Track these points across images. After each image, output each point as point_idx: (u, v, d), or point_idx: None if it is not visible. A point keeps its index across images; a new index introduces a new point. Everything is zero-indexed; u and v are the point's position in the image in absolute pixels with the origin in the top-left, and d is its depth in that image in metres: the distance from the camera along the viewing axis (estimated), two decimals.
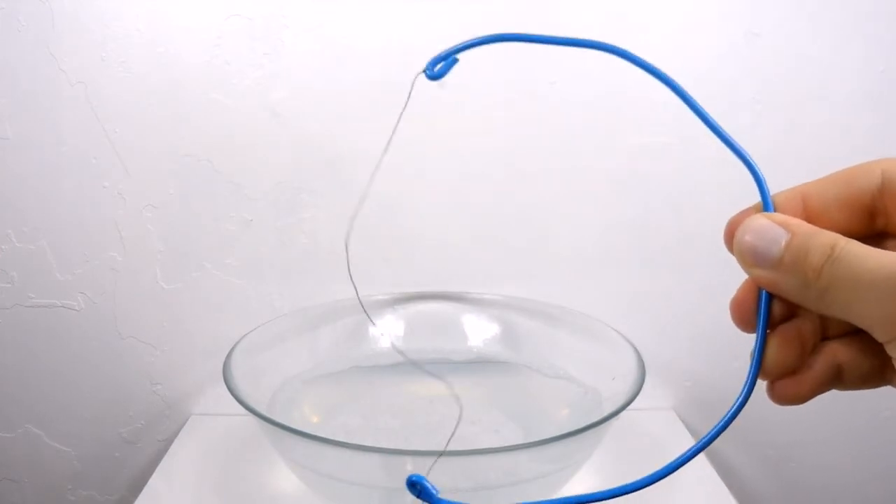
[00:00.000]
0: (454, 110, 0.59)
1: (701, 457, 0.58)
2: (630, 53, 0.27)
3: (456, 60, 0.32)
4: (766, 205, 0.22)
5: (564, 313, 0.56)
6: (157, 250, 0.60)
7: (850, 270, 0.19)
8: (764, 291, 0.23)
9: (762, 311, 0.23)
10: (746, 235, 0.22)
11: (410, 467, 0.38)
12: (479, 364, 0.57)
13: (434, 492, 0.25)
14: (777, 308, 0.22)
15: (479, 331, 0.58)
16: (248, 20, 0.56)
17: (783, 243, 0.21)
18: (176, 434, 0.62)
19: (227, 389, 0.42)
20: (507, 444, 0.37)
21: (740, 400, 0.23)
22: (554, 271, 0.62)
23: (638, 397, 0.42)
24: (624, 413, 0.41)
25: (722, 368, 0.65)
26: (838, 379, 0.23)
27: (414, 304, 0.59)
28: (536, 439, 0.37)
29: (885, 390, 0.70)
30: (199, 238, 0.60)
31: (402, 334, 0.59)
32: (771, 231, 0.21)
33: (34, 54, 0.55)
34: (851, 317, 0.19)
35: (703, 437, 0.24)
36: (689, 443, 0.60)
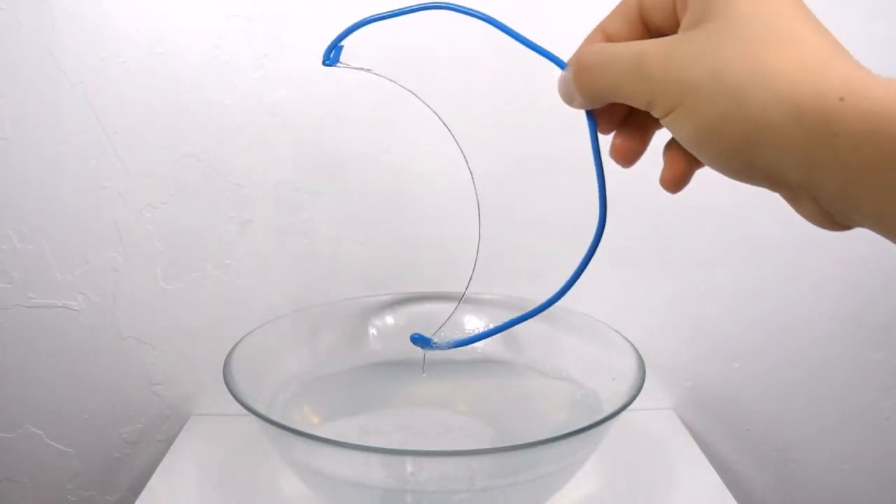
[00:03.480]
0: (454, 110, 0.59)
1: (701, 457, 0.58)
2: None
3: (342, 47, 0.42)
4: (559, 67, 0.31)
5: (564, 313, 0.56)
6: (157, 250, 0.60)
7: (591, 60, 0.26)
8: (586, 113, 0.30)
9: (589, 125, 0.31)
10: (557, 86, 0.30)
11: (410, 467, 0.38)
12: (479, 364, 0.57)
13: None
14: (601, 121, 0.31)
15: (479, 331, 0.58)
16: (248, 20, 0.56)
17: (569, 74, 0.28)
18: (176, 434, 0.62)
19: (227, 389, 0.42)
20: (506, 445, 0.37)
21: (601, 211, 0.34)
22: (554, 271, 0.62)
23: (638, 397, 0.42)
24: (624, 413, 0.41)
25: (722, 368, 0.65)
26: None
27: (414, 305, 0.59)
28: (536, 439, 0.37)
29: (886, 391, 0.69)
30: (199, 238, 0.60)
31: (402, 334, 0.59)
32: (563, 74, 0.29)
33: (34, 54, 0.55)
34: (623, 98, 0.25)
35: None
36: (689, 443, 0.60)
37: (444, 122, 0.44)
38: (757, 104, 0.21)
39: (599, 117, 0.30)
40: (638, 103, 0.25)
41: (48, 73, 0.56)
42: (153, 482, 0.54)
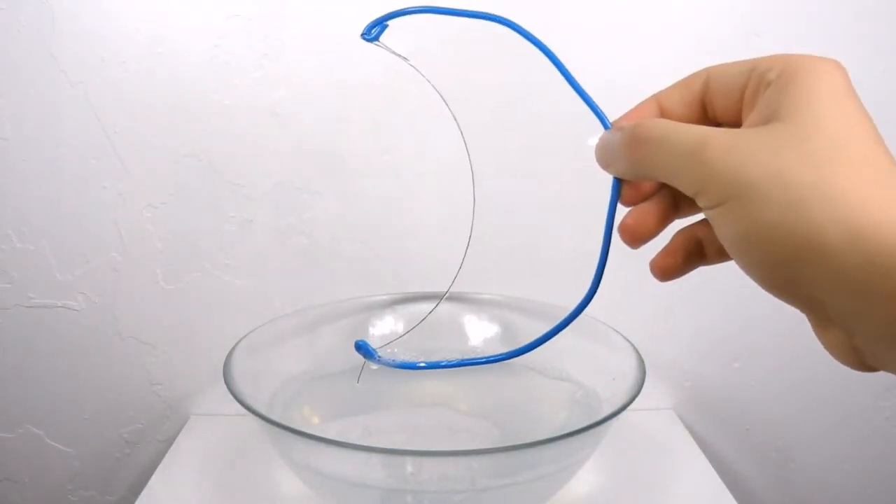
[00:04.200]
0: (455, 111, 0.59)
1: (701, 457, 0.58)
2: (508, 20, 0.35)
3: (386, 26, 0.40)
4: (604, 125, 0.30)
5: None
6: (157, 250, 0.60)
7: (650, 133, 0.25)
8: (614, 179, 0.29)
9: (613, 192, 0.29)
10: (596, 145, 0.29)
11: (410, 467, 0.38)
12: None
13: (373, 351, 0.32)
14: (627, 191, 0.29)
15: (479, 331, 0.58)
16: (248, 20, 0.56)
17: (616, 139, 0.27)
18: (176, 434, 0.62)
19: (227, 389, 0.42)
20: (506, 445, 0.37)
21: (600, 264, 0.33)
22: (554, 271, 0.62)
23: (638, 397, 0.42)
24: (624, 413, 0.41)
25: (722, 368, 0.65)
26: (701, 254, 0.29)
27: (414, 304, 0.59)
28: (536, 440, 0.37)
29: (886, 391, 0.70)
30: (199, 238, 0.60)
31: (402, 334, 0.59)
32: (608, 136, 0.28)
33: (34, 54, 0.55)
34: (673, 180, 0.24)
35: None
36: (689, 443, 0.60)
37: (458, 126, 0.44)
38: (815, 219, 0.20)
39: (626, 187, 0.29)
40: (686, 189, 0.23)
41: (48, 73, 0.56)
42: (153, 482, 0.54)
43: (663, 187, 0.28)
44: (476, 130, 0.59)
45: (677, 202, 0.28)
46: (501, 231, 0.61)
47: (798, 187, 0.20)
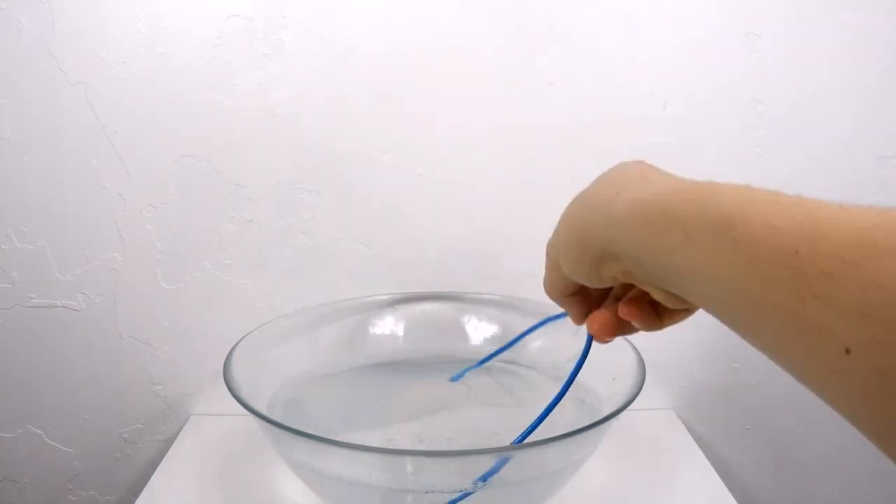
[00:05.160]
0: (455, 111, 0.59)
1: (701, 457, 0.58)
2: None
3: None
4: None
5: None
6: (157, 250, 0.60)
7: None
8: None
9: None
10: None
11: (410, 467, 0.39)
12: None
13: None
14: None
15: (479, 331, 0.58)
16: (248, 20, 0.56)
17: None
18: (176, 434, 0.62)
19: (227, 389, 0.42)
20: (506, 445, 0.37)
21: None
22: None
23: (638, 397, 0.42)
24: (624, 413, 0.41)
25: (722, 368, 0.65)
26: (657, 315, 0.32)
27: (414, 305, 0.59)
28: (536, 439, 0.37)
29: None
30: (199, 238, 0.60)
31: (402, 334, 0.59)
32: None
33: (34, 54, 0.55)
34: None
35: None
36: (689, 443, 0.60)
37: None
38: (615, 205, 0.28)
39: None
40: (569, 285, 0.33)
41: (48, 73, 0.56)
42: (153, 482, 0.54)
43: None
44: (477, 131, 0.59)
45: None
46: (502, 231, 0.61)
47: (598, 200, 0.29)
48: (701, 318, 0.68)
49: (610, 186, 0.29)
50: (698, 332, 0.64)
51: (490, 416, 0.54)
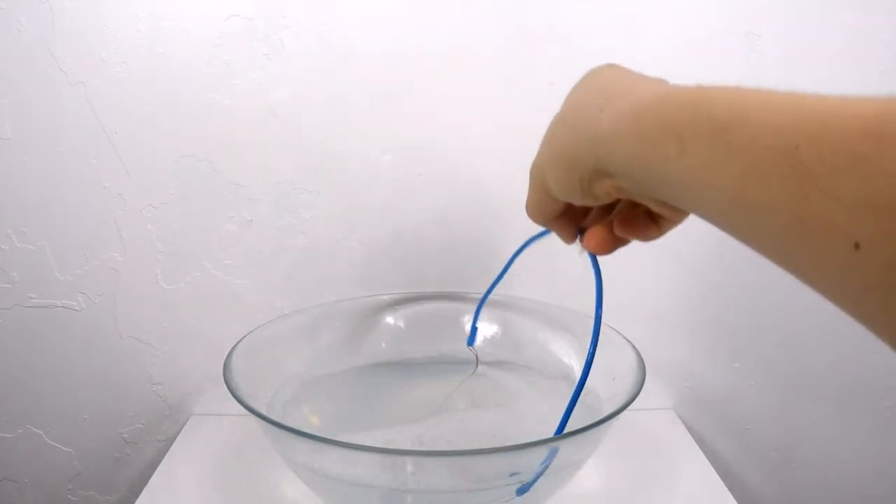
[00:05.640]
0: (455, 111, 0.59)
1: (701, 457, 0.58)
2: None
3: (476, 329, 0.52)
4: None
5: (564, 313, 0.56)
6: (157, 250, 0.60)
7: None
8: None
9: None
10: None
11: (411, 467, 0.38)
12: (479, 364, 0.57)
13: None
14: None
15: (479, 331, 0.58)
16: (248, 20, 0.56)
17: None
18: (176, 434, 0.62)
19: (227, 389, 0.42)
20: (507, 445, 0.37)
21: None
22: (554, 271, 0.62)
23: (638, 397, 0.42)
24: (624, 413, 0.41)
25: (722, 368, 0.65)
26: (654, 223, 0.32)
27: (414, 304, 0.59)
28: (536, 439, 0.37)
29: (886, 391, 0.69)
30: (199, 238, 0.60)
31: (402, 334, 0.59)
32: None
33: (34, 54, 0.55)
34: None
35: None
36: (689, 443, 0.60)
37: None
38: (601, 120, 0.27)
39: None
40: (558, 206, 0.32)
41: (48, 73, 0.56)
42: (153, 482, 0.54)
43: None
44: (476, 132, 0.59)
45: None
46: (502, 231, 0.61)
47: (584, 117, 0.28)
48: (701, 317, 0.68)
49: (591, 101, 0.27)
50: (698, 332, 0.64)
51: (490, 417, 0.54)
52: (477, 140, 0.59)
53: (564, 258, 0.62)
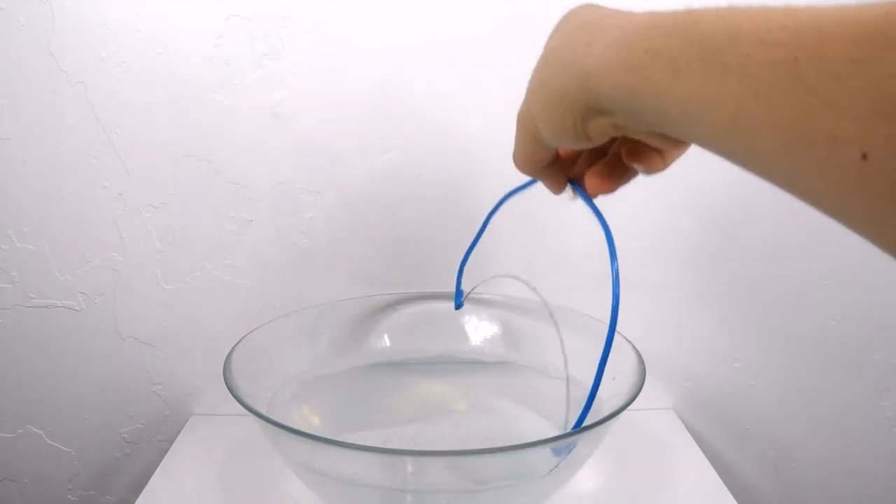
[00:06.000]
0: (455, 111, 0.59)
1: (701, 457, 0.58)
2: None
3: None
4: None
5: (564, 313, 0.56)
6: (157, 250, 0.60)
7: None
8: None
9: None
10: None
11: (410, 467, 0.38)
12: (479, 364, 0.57)
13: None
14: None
15: (479, 331, 0.58)
16: (248, 20, 0.56)
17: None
18: (176, 434, 0.62)
19: (227, 389, 0.42)
20: (507, 444, 0.37)
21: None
22: (554, 271, 0.62)
23: (638, 397, 0.42)
24: (624, 413, 0.41)
25: (722, 368, 0.65)
26: (659, 155, 0.31)
27: (414, 304, 0.59)
28: (536, 440, 0.37)
29: (886, 391, 0.69)
30: (199, 238, 0.60)
31: (401, 334, 0.59)
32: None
33: (34, 54, 0.55)
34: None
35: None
36: (689, 443, 0.60)
37: None
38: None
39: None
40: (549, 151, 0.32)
41: (48, 73, 0.56)
42: (153, 482, 0.54)
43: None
44: (476, 131, 0.59)
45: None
46: (502, 231, 0.61)
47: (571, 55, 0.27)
48: (701, 317, 0.69)
49: (577, 39, 0.26)
50: (698, 332, 0.64)
51: (489, 418, 0.54)
52: (477, 140, 0.59)
53: (564, 258, 0.62)
